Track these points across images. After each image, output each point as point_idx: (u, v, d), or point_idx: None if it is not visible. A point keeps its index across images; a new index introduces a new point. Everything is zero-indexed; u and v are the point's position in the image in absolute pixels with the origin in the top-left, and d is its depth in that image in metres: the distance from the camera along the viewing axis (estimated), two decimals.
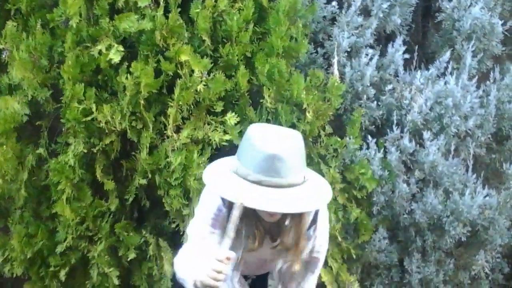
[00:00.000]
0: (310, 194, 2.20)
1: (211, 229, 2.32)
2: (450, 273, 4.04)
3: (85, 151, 3.00)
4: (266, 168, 2.14)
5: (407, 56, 4.03)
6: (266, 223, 2.34)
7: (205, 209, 2.35)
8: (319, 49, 3.98)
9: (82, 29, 2.99)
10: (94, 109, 2.94)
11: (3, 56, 3.07)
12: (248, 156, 2.17)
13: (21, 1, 3.09)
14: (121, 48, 2.97)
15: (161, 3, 3.09)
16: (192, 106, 3.10)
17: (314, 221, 2.43)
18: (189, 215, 3.14)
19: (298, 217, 2.31)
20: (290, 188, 2.16)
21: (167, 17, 3.06)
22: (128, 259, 3.15)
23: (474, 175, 3.94)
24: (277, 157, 2.14)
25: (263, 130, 2.24)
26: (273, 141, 2.16)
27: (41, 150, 3.09)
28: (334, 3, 3.99)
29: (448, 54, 4.02)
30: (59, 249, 3.09)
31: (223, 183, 2.20)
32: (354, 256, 3.79)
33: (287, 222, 2.34)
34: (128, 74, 2.97)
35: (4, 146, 3.04)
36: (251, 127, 2.24)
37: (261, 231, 2.35)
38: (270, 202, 2.12)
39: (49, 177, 3.05)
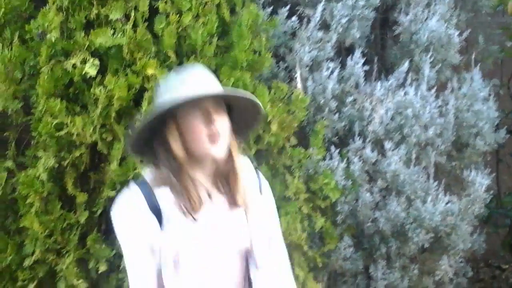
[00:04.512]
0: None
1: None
2: (415, 279, 4.11)
3: (56, 165, 3.00)
4: (185, 81, 2.00)
5: (366, 68, 4.11)
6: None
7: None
8: (280, 63, 4.05)
9: (57, 43, 3.01)
10: (67, 122, 2.95)
11: None
12: (165, 89, 2.02)
13: None
14: (96, 61, 2.98)
15: (132, 17, 3.13)
16: None
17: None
18: None
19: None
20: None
21: (135, 31, 3.10)
22: (98, 272, 3.15)
23: (436, 183, 4.03)
24: (193, 70, 2.06)
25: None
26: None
27: (9, 163, 3.09)
28: (294, 18, 4.07)
29: (406, 65, 4.13)
30: (27, 262, 3.07)
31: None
32: (320, 265, 3.83)
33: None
34: (101, 87, 3.00)
35: None
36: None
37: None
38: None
39: (16, 191, 3.04)
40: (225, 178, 2.07)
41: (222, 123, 1.98)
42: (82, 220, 3.08)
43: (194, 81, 2.00)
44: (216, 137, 1.96)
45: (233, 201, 2.05)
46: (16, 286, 3.17)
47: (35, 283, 3.12)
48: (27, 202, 2.98)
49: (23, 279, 3.12)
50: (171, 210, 1.97)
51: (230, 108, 2.06)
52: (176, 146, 1.98)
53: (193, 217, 1.97)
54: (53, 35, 3.00)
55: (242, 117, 2.10)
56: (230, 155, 2.04)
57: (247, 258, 2.10)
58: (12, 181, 3.09)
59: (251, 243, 2.07)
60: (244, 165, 2.12)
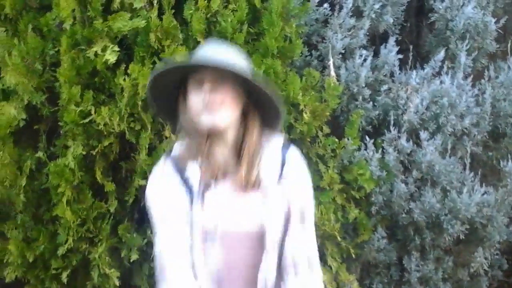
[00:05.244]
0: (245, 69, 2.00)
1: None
2: (449, 271, 4.06)
3: (84, 153, 3.01)
4: (201, 53, 2.04)
5: (400, 56, 4.05)
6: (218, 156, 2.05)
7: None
8: (313, 51, 4.01)
9: (77, 32, 2.99)
10: (92, 111, 2.95)
11: None
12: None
13: (5, 5, 3.09)
14: (116, 48, 2.96)
15: (155, 4, 3.10)
16: None
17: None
18: None
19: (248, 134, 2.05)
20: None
21: (161, 19, 3.07)
22: (131, 260, 3.16)
23: (472, 173, 3.95)
24: (213, 42, 2.14)
25: None
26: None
27: (40, 154, 3.10)
28: (326, 5, 4.03)
29: (442, 53, 4.05)
30: (61, 251, 3.09)
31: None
32: (354, 256, 3.79)
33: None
34: (126, 76, 2.98)
35: (1, 152, 3.04)
36: None
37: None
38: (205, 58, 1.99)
39: (48, 181, 3.05)
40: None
41: (221, 95, 1.96)
42: (113, 209, 3.08)
43: (203, 53, 2.02)
44: (208, 109, 1.94)
45: (246, 181, 2.02)
46: (50, 275, 3.20)
47: (68, 271, 3.14)
48: (59, 191, 2.99)
49: (57, 267, 3.14)
50: (200, 184, 1.98)
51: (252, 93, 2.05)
52: (183, 118, 2.01)
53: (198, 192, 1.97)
54: (67, 24, 2.97)
55: (264, 103, 2.07)
56: (247, 135, 2.04)
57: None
58: (44, 171, 3.11)
59: (264, 228, 2.02)
60: (270, 147, 2.09)
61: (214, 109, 1.95)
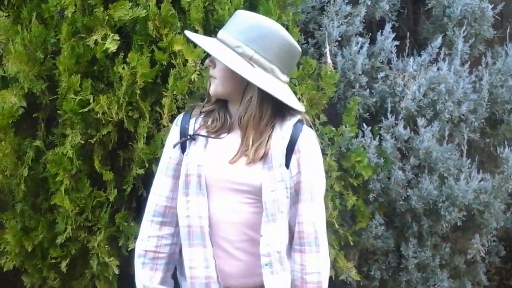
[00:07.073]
0: (239, 61, 2.17)
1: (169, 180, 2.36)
2: (446, 257, 4.08)
3: (82, 142, 3.00)
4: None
5: (397, 43, 4.05)
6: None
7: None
8: (309, 39, 4.00)
9: (77, 20, 2.98)
10: (91, 100, 2.94)
11: None
12: None
13: None
14: (117, 37, 2.94)
15: None
16: (186, 96, 3.11)
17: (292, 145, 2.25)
18: None
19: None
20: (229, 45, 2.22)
21: (159, 7, 3.05)
22: (128, 249, 3.16)
23: (469, 160, 3.98)
24: (236, 13, 2.30)
25: None
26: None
27: (38, 142, 3.08)
28: None
29: (439, 40, 4.06)
30: (59, 240, 3.07)
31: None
32: (351, 243, 3.80)
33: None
34: (125, 64, 2.97)
35: (3, 142, 3.03)
36: None
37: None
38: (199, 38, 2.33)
39: (46, 169, 3.04)
40: None
41: (219, 69, 2.25)
42: (112, 198, 3.08)
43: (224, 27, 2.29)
44: (211, 79, 2.28)
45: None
46: (48, 264, 3.19)
47: (67, 260, 3.14)
48: (57, 180, 2.99)
49: (56, 256, 3.14)
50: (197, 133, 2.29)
51: None
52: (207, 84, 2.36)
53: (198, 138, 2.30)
54: (69, 11, 2.97)
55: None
56: (245, 108, 2.27)
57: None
58: (42, 160, 3.10)
59: (259, 186, 2.18)
60: (283, 123, 2.25)
61: (213, 80, 2.26)
